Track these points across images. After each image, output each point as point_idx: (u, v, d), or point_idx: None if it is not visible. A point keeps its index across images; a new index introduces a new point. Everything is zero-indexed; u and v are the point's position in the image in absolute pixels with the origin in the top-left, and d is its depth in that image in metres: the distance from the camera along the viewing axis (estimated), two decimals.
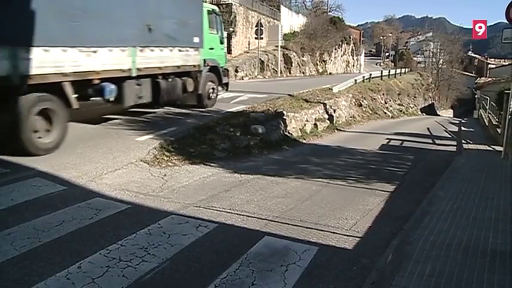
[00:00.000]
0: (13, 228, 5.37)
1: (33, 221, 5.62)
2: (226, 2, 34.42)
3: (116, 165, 8.50)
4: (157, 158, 9.43)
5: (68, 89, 9.02)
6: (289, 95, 18.83)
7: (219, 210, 6.76)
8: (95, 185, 7.40)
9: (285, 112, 15.23)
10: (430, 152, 15.00)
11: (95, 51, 9.55)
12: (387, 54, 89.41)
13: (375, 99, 29.42)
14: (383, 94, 32.56)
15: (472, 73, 75.73)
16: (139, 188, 7.60)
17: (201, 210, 6.74)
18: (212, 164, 9.88)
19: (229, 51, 33.20)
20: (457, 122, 30.62)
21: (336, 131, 18.06)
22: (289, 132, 14.73)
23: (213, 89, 15.26)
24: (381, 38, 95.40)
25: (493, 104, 22.46)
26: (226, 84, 16.49)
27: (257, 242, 5.52)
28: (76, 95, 9.27)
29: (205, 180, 8.63)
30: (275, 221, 6.45)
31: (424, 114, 41.21)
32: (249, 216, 6.61)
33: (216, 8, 16.35)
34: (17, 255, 4.76)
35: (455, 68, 69.32)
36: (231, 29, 32.89)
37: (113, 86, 10.29)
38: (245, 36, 36.05)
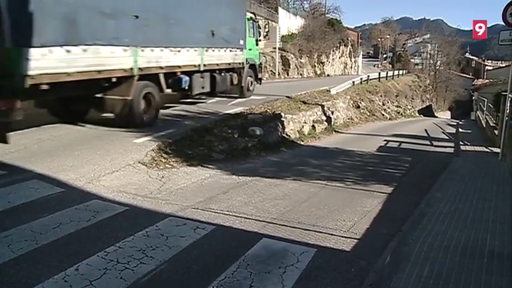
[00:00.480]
0: (10, 231, 5.35)
1: (31, 223, 5.61)
2: None
3: (114, 167, 8.48)
4: (155, 160, 9.41)
5: (162, 79, 12.41)
6: (287, 96, 18.85)
7: (217, 212, 6.76)
8: (93, 187, 7.39)
9: (282, 114, 15.23)
10: (428, 154, 15.02)
11: (179, 51, 12.83)
12: (385, 56, 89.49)
13: (372, 101, 29.43)
14: (381, 96, 32.58)
15: (469, 75, 75.95)
16: (137, 190, 7.59)
17: (199, 212, 6.73)
18: (210, 166, 9.88)
19: None
20: (455, 123, 30.65)
21: (333, 132, 18.07)
22: (287, 134, 14.73)
23: (251, 82, 18.68)
24: (379, 39, 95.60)
25: (490, 105, 22.52)
26: (260, 79, 19.86)
27: (255, 244, 5.51)
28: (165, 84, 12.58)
29: (203, 182, 8.62)
30: (273, 223, 6.45)
31: (422, 115, 41.22)
32: (247, 218, 6.61)
33: (253, 15, 19.91)
34: (14, 257, 4.75)
35: (452, 70, 69.47)
36: None
37: (187, 78, 13.65)
38: None
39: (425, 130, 23.25)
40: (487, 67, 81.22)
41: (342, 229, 6.39)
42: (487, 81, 59.41)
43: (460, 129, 23.20)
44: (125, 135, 10.84)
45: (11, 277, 4.38)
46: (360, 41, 70.95)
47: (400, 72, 50.43)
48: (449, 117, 47.70)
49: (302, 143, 14.85)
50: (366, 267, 5.10)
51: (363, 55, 74.16)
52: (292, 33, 44.98)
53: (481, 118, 25.71)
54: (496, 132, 16.34)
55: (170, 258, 4.98)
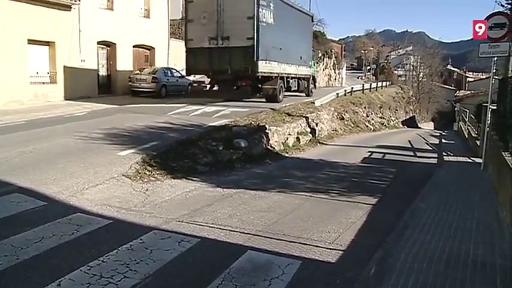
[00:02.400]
0: None
1: (11, 238, 5.52)
2: None
3: (98, 180, 8.42)
4: (140, 173, 9.36)
5: (285, 80, 23.06)
6: (271, 108, 18.89)
7: (202, 225, 6.73)
8: (76, 200, 7.32)
9: (267, 126, 15.26)
10: (412, 165, 15.15)
11: (289, 66, 23.62)
12: (368, 67, 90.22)
13: (356, 112, 29.63)
14: (365, 107, 32.81)
15: (451, 86, 76.91)
16: (121, 203, 7.53)
17: (183, 225, 6.69)
18: (195, 179, 9.84)
19: None
20: (438, 134, 30.97)
21: (318, 144, 18.12)
22: (271, 146, 14.75)
23: (312, 87, 28.68)
24: (362, 51, 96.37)
25: (472, 116, 22.80)
26: (315, 85, 30.19)
27: (240, 257, 5.49)
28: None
29: (187, 194, 8.59)
30: (258, 235, 6.43)
31: (405, 127, 41.55)
32: (231, 230, 6.59)
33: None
34: None
35: (435, 81, 70.28)
36: None
37: (290, 80, 24.09)
38: None
39: (409, 141, 23.46)
40: (468, 78, 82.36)
41: (327, 241, 6.40)
42: (468, 92, 60.30)
43: (443, 140, 23.43)
44: (109, 148, 10.77)
45: None
46: (343, 53, 71.36)
47: (384, 83, 50.85)
48: (433, 128, 48.19)
49: (287, 154, 14.87)
50: (351, 279, 5.10)
51: (346, 67, 74.62)
52: None
53: (463, 129, 26.01)
54: (478, 142, 16.52)
55: (154, 271, 4.93)
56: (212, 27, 19.65)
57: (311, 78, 27.89)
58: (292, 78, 24.04)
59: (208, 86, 23.52)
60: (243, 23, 18.90)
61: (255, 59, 19.17)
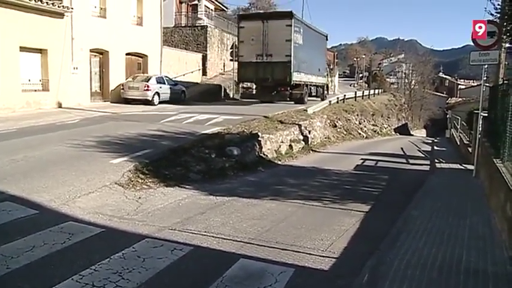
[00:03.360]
0: None
1: (2, 247, 5.47)
2: (202, 25, 34.69)
3: (90, 188, 8.38)
4: (132, 181, 9.33)
5: (308, 87, 29.68)
6: (264, 116, 18.92)
7: (194, 233, 6.71)
8: (68, 208, 7.28)
9: (260, 133, 15.28)
10: (404, 172, 15.19)
11: (312, 75, 30.12)
12: (361, 75, 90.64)
13: (349, 120, 29.69)
14: (357, 115, 32.89)
15: (443, 93, 77.52)
16: (114, 211, 7.50)
17: (176, 233, 6.67)
18: (187, 187, 9.82)
19: (204, 73, 33.39)
20: (430, 141, 31.11)
21: (311, 152, 18.14)
22: (264, 154, 14.75)
23: (326, 93, 35.02)
24: (355, 59, 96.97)
25: (464, 123, 22.97)
26: (328, 92, 36.69)
27: (233, 265, 5.46)
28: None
29: (180, 202, 8.57)
30: (251, 243, 6.42)
31: (398, 134, 41.70)
32: (224, 238, 6.57)
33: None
34: None
35: (427, 89, 70.88)
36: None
37: (312, 87, 30.62)
38: (220, 58, 36.29)
39: (402, 148, 23.53)
40: (459, 86, 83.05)
41: (320, 248, 6.40)
42: (460, 99, 60.64)
43: (436, 147, 23.57)
44: (101, 156, 10.73)
45: None
46: (336, 60, 71.75)
47: (376, 91, 51.06)
48: (425, 135, 48.43)
49: (279, 162, 14.88)
50: (345, 286, 5.10)
51: (339, 74, 74.95)
52: None
53: (455, 136, 26.18)
54: (469, 149, 16.63)
55: (147, 280, 4.90)
56: (259, 47, 26.03)
57: (325, 86, 35.45)
58: (313, 85, 30.97)
59: (255, 91, 29.59)
60: (283, 44, 25.41)
61: (291, 71, 25.65)
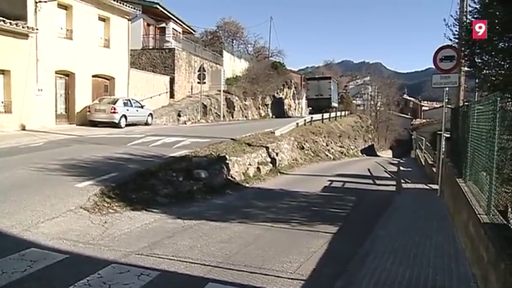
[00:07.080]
0: None
1: None
2: (170, 47, 34.71)
3: (54, 213, 8.19)
4: (98, 205, 9.17)
5: (333, 109, 53.30)
6: (231, 139, 18.96)
7: (162, 258, 6.62)
8: (30, 234, 7.08)
9: (227, 156, 15.28)
10: (371, 192, 15.42)
11: (336, 103, 57.97)
12: None
13: (316, 141, 30.03)
14: (324, 137, 33.32)
15: (408, 115, 79.40)
16: (79, 236, 7.34)
17: (143, 258, 6.57)
18: (154, 210, 9.72)
19: (171, 95, 33.30)
20: (396, 162, 31.73)
21: (278, 174, 18.23)
22: (232, 177, 14.74)
23: (335, 110, 52.17)
24: None
25: (428, 144, 23.53)
26: (335, 111, 50.23)
27: None
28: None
29: (147, 226, 8.46)
30: (219, 267, 6.38)
31: (365, 155, 42.37)
32: (192, 262, 6.51)
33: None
34: None
35: (392, 110, 72.49)
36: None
37: (333, 110, 50.96)
38: (188, 81, 36.28)
39: (368, 169, 23.88)
40: (423, 107, 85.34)
41: (288, 271, 6.40)
42: (424, 120, 62.35)
43: (401, 168, 24.04)
44: (66, 180, 10.53)
45: None
46: (303, 83, 72.75)
47: (343, 113, 52.05)
48: (391, 156, 49.45)
49: (247, 185, 14.89)
50: None
51: (306, 97, 75.87)
52: (236, 76, 45.82)
53: (420, 156, 26.80)
54: (434, 169, 17.02)
55: None
56: (316, 91, 52.49)
57: (334, 108, 53.60)
58: (333, 108, 51.55)
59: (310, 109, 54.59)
60: (327, 90, 52.04)
61: (331, 102, 52.34)
